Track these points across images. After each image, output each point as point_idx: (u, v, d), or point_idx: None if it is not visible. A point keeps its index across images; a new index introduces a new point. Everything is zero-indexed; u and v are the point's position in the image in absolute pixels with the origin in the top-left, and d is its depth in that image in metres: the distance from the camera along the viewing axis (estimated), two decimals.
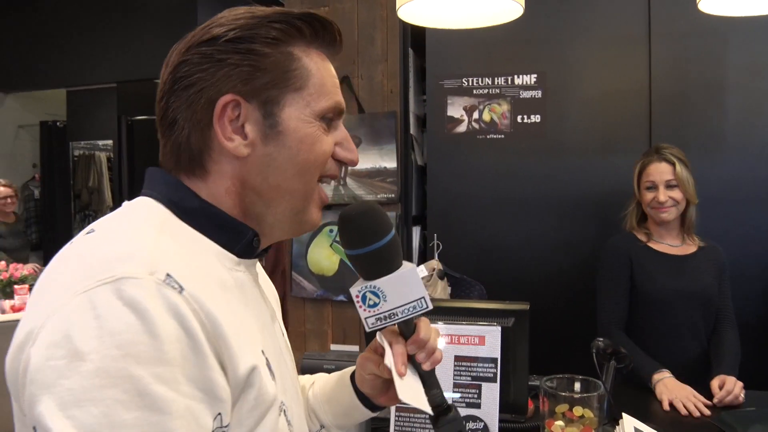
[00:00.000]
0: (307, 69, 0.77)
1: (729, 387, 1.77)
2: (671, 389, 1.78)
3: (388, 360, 0.85)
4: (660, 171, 2.06)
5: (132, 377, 0.59)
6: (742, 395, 1.77)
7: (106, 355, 0.58)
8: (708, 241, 2.13)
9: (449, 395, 1.28)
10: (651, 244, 2.10)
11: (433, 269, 2.64)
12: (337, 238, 2.86)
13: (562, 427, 1.39)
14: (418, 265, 2.70)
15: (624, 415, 1.40)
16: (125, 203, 0.78)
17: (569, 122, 2.73)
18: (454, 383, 1.29)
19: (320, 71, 0.79)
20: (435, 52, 2.86)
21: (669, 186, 2.05)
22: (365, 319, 0.84)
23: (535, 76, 2.75)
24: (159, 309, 0.61)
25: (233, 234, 0.77)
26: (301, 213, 0.80)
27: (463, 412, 1.26)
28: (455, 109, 2.81)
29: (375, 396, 0.97)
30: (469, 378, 1.28)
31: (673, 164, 2.06)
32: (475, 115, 2.80)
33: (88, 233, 0.71)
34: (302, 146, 0.76)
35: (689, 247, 2.11)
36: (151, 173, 0.79)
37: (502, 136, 2.79)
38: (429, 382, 0.86)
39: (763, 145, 2.58)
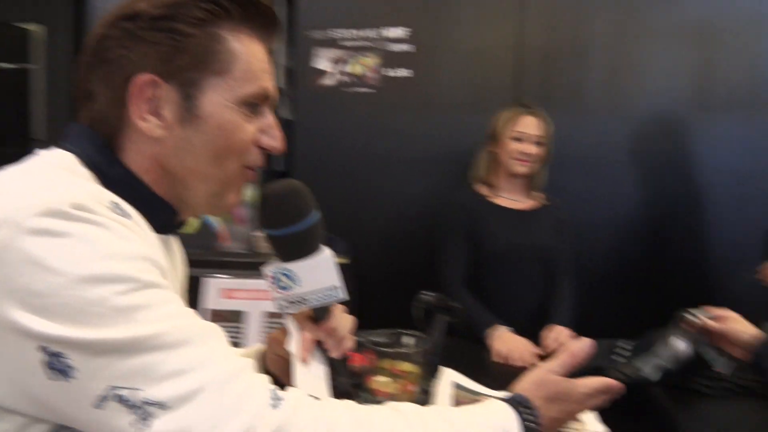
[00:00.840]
0: (232, 52, 0.75)
1: (558, 337, 1.83)
2: (505, 341, 1.82)
3: (291, 345, 0.83)
4: (531, 125, 2.08)
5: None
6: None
7: None
8: (553, 199, 2.17)
9: None
10: (494, 199, 2.12)
11: None
12: None
13: (383, 382, 1.37)
14: None
15: (445, 369, 1.40)
16: (39, 152, 0.73)
17: (440, 78, 2.70)
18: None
19: (248, 55, 0.76)
20: (303, 0, 2.75)
21: (536, 142, 2.07)
22: (276, 300, 0.83)
23: (406, 29, 2.70)
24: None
25: (153, 209, 0.75)
26: (219, 196, 0.79)
27: None
28: (322, 61, 2.72)
29: (282, 377, 0.91)
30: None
31: (545, 122, 2.09)
32: (344, 67, 2.72)
33: None
34: (220, 133, 0.74)
35: (532, 203, 2.14)
36: (75, 129, 0.76)
37: (372, 90, 2.74)
38: (337, 369, 0.85)
39: (623, 107, 2.66)
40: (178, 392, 0.61)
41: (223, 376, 0.64)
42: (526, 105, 2.14)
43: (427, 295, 1.52)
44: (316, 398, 0.73)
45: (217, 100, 0.74)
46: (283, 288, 0.81)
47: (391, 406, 0.75)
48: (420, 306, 1.51)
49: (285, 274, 0.81)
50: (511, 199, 2.12)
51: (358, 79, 2.72)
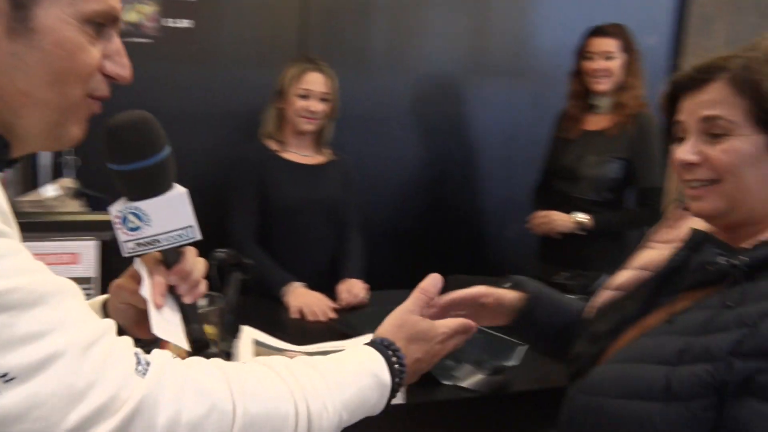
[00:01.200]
0: None
1: (352, 289, 1.89)
2: (299, 297, 1.84)
3: (145, 290, 0.78)
4: (317, 82, 2.06)
5: None
6: (365, 296, 1.92)
7: None
8: (339, 154, 2.21)
9: None
10: (282, 154, 2.11)
11: (67, 188, 2.34)
12: None
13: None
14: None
15: (244, 327, 1.36)
16: None
17: (223, 30, 2.58)
18: None
19: None
20: None
21: (322, 99, 2.06)
22: (124, 242, 0.77)
23: None
24: None
25: None
26: (59, 127, 0.68)
27: None
28: None
29: (129, 327, 0.84)
30: None
31: (330, 78, 2.08)
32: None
33: None
34: (59, 51, 0.64)
35: (320, 158, 2.17)
36: None
37: (149, 40, 2.54)
38: (189, 315, 0.80)
39: (404, 68, 2.77)
40: (27, 360, 0.53)
41: (82, 340, 0.57)
42: (312, 60, 2.13)
43: (220, 253, 1.46)
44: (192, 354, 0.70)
45: (55, 14, 0.64)
46: (132, 229, 0.76)
47: (259, 360, 0.73)
48: (213, 264, 1.44)
49: (134, 214, 0.75)
50: (300, 155, 2.12)
51: (134, 28, 2.50)
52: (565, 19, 2.92)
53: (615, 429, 0.89)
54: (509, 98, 2.97)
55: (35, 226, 1.14)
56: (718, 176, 0.91)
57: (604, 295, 1.14)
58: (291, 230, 2.03)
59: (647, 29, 2.64)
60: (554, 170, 2.41)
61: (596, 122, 2.33)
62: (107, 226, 1.17)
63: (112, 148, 0.73)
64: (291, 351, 1.26)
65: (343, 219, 2.15)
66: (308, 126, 2.07)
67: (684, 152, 0.93)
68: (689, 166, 0.93)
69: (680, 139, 0.96)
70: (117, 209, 0.76)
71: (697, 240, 1.00)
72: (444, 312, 1.03)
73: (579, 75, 2.34)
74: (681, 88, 0.97)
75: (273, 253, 1.99)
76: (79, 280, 1.13)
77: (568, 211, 2.26)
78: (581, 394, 0.95)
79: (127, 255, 0.77)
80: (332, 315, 1.78)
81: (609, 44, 2.23)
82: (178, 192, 0.77)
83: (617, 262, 2.20)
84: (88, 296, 1.10)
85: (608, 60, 2.23)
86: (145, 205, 0.74)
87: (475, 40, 2.89)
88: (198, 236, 0.78)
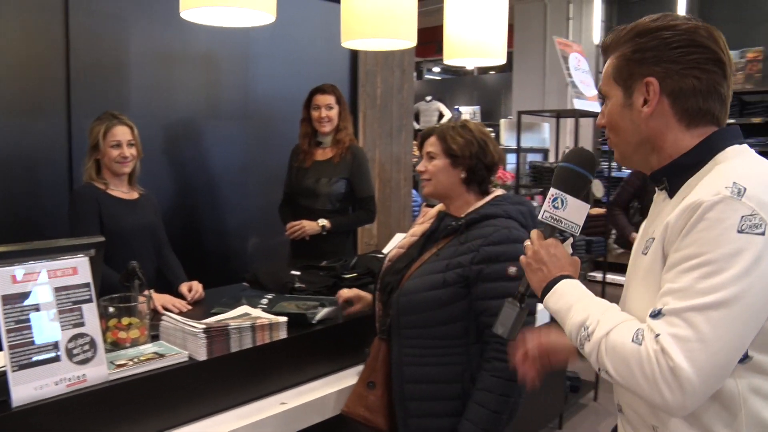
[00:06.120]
0: None
1: (193, 287, 2.47)
2: (158, 299, 2.32)
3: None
4: (124, 132, 2.51)
5: None
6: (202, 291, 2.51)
7: None
8: (145, 189, 2.71)
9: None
10: (109, 191, 2.54)
11: None
12: None
13: (121, 336, 1.80)
14: None
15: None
16: None
17: None
18: (57, 310, 1.53)
19: None
20: None
21: (129, 145, 2.52)
22: (545, 210, 1.28)
23: None
24: None
25: None
26: None
27: (70, 332, 1.53)
28: None
29: None
30: (70, 303, 1.55)
31: (132, 127, 2.55)
32: None
33: None
34: None
35: (135, 194, 2.64)
36: None
37: None
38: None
39: (159, 115, 3.27)
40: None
41: None
42: (115, 116, 2.56)
43: (133, 263, 1.96)
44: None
45: None
46: (555, 208, 1.27)
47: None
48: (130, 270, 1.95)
49: (562, 200, 1.27)
50: (122, 191, 2.57)
51: None
52: (276, 75, 3.78)
53: (424, 308, 1.79)
54: (240, 137, 3.69)
55: (45, 251, 1.56)
56: (429, 177, 1.90)
57: (393, 252, 2.04)
58: (124, 250, 2.41)
59: (331, 80, 3.56)
60: (297, 191, 3.23)
61: (323, 154, 3.23)
62: (90, 246, 1.66)
63: (576, 157, 1.30)
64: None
65: (159, 240, 2.66)
66: (125, 169, 2.53)
67: (420, 167, 1.90)
68: (422, 172, 1.90)
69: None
70: (555, 191, 1.27)
71: (441, 215, 1.97)
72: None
73: (308, 121, 3.21)
74: (423, 136, 1.94)
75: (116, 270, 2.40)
76: (79, 286, 1.59)
77: (314, 219, 3.12)
78: (402, 297, 1.83)
79: (540, 219, 1.28)
80: (189, 307, 2.35)
81: (329, 99, 3.15)
82: (587, 205, 1.28)
83: (348, 249, 3.33)
84: (87, 297, 1.58)
85: (329, 110, 3.15)
86: (571, 200, 1.27)
87: (210, 92, 3.55)
88: (577, 234, 1.28)
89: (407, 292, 1.83)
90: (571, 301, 1.18)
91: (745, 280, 0.97)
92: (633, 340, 1.03)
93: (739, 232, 0.98)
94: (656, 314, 1.03)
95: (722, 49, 1.13)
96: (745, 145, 1.14)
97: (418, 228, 2.04)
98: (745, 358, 1.04)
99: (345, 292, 2.15)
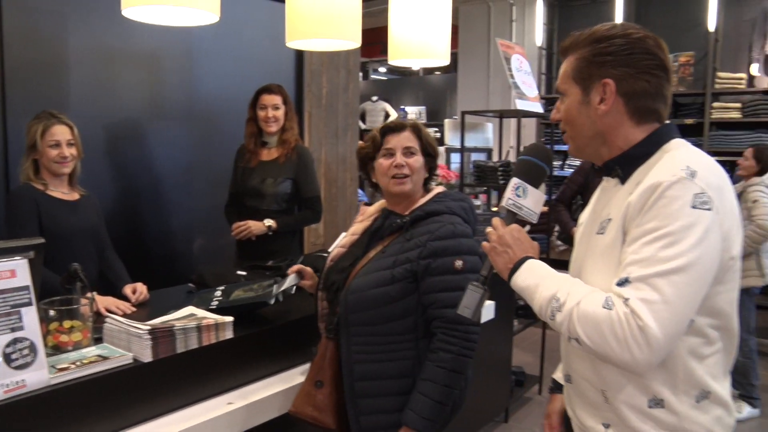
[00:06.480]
0: None
1: (137, 288, 2.43)
2: (101, 301, 2.28)
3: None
4: (63, 132, 2.44)
5: None
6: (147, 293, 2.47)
7: None
8: (87, 190, 2.65)
9: None
10: (48, 192, 2.47)
11: None
12: None
13: (63, 339, 1.76)
14: None
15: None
16: None
17: None
18: None
19: None
20: None
21: (69, 144, 2.46)
22: (508, 198, 1.39)
23: None
24: None
25: None
26: None
27: (8, 337, 1.49)
28: None
29: None
30: (8, 307, 1.51)
31: (71, 126, 2.48)
32: None
33: None
34: None
35: (75, 195, 2.57)
36: None
37: None
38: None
39: (101, 115, 3.21)
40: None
41: None
42: (54, 114, 2.49)
43: (75, 264, 1.93)
44: None
45: None
46: (518, 196, 1.39)
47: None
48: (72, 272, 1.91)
49: (524, 189, 1.39)
50: (62, 192, 2.50)
51: None
52: (220, 74, 3.74)
53: (372, 305, 1.81)
54: (184, 137, 3.65)
55: None
56: (410, 173, 1.89)
57: (335, 252, 2.05)
58: (66, 251, 2.35)
59: (276, 80, 3.54)
60: (243, 191, 3.22)
61: (268, 154, 3.22)
62: (29, 248, 1.63)
63: (533, 150, 1.44)
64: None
65: (101, 242, 2.60)
66: (65, 169, 2.47)
67: (399, 160, 1.89)
68: (402, 167, 1.88)
69: (390, 155, 1.92)
70: (518, 181, 1.38)
71: (386, 213, 1.99)
72: None
73: (254, 120, 3.20)
74: (389, 131, 1.93)
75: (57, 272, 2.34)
76: (18, 289, 1.56)
77: (260, 220, 3.11)
78: (350, 295, 1.84)
79: (503, 205, 1.39)
80: (133, 309, 2.30)
81: (275, 99, 3.14)
82: (543, 195, 1.42)
83: (295, 249, 3.31)
84: (26, 301, 1.55)
85: (275, 110, 3.15)
86: (531, 189, 1.40)
87: (154, 91, 3.50)
88: (535, 220, 1.40)
89: (355, 289, 1.84)
90: (539, 278, 1.29)
91: (698, 248, 1.12)
92: (604, 307, 1.15)
93: (692, 207, 1.13)
94: (623, 282, 1.16)
95: (666, 56, 1.29)
96: (683, 139, 1.30)
97: (359, 226, 2.06)
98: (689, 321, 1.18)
99: (296, 267, 2.16)
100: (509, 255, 1.35)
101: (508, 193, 1.40)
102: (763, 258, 4.10)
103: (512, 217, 1.39)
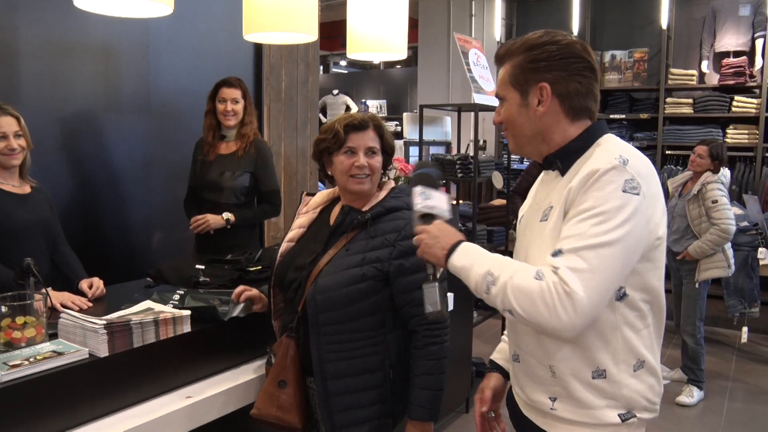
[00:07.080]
0: None
1: (94, 283, 2.39)
2: (56, 296, 2.24)
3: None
4: (9, 123, 2.38)
5: None
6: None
7: None
8: (38, 183, 2.59)
9: None
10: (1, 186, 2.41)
11: None
12: None
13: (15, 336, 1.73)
14: None
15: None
16: None
17: None
18: None
19: None
20: None
21: (16, 136, 2.41)
22: (416, 204, 1.49)
23: None
24: None
25: None
26: None
27: None
28: None
29: None
30: None
31: (17, 117, 2.42)
32: None
33: None
34: None
35: (26, 188, 2.51)
36: None
37: None
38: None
39: (54, 107, 3.12)
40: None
41: None
42: (0, 106, 2.44)
43: (28, 260, 1.89)
44: None
45: None
46: (426, 199, 1.49)
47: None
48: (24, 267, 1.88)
49: (427, 193, 1.50)
50: (12, 185, 2.44)
51: None
52: (178, 67, 3.69)
53: (344, 303, 1.80)
54: (142, 130, 3.58)
55: None
56: (371, 173, 1.89)
57: (284, 246, 2.04)
58: (17, 246, 2.32)
59: (235, 73, 3.50)
60: (202, 184, 3.19)
61: (227, 148, 3.21)
62: None
63: (423, 164, 1.57)
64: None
65: (54, 235, 2.54)
66: (13, 161, 2.40)
67: (361, 160, 1.87)
68: (363, 168, 1.87)
69: (352, 154, 1.90)
70: (420, 188, 1.50)
71: (346, 209, 1.99)
72: None
73: (212, 113, 3.18)
74: (353, 128, 1.90)
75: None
76: None
77: (218, 213, 3.09)
78: (319, 295, 1.82)
79: (417, 210, 1.48)
80: (89, 304, 2.27)
81: (235, 93, 3.13)
82: (446, 194, 1.53)
83: (254, 243, 3.27)
84: None
85: (235, 104, 3.13)
86: (433, 191, 1.51)
87: (109, 83, 3.43)
88: (448, 218, 1.49)
89: (324, 289, 1.82)
90: (473, 257, 1.38)
91: (625, 226, 1.24)
92: (535, 278, 1.26)
93: (623, 191, 1.26)
94: (557, 253, 1.27)
95: (593, 59, 1.44)
96: (612, 134, 1.45)
97: (304, 218, 2.04)
98: (624, 296, 1.34)
99: (247, 293, 2.07)
100: (441, 243, 1.43)
101: (416, 199, 1.51)
102: (728, 250, 4.26)
103: (430, 219, 1.49)
